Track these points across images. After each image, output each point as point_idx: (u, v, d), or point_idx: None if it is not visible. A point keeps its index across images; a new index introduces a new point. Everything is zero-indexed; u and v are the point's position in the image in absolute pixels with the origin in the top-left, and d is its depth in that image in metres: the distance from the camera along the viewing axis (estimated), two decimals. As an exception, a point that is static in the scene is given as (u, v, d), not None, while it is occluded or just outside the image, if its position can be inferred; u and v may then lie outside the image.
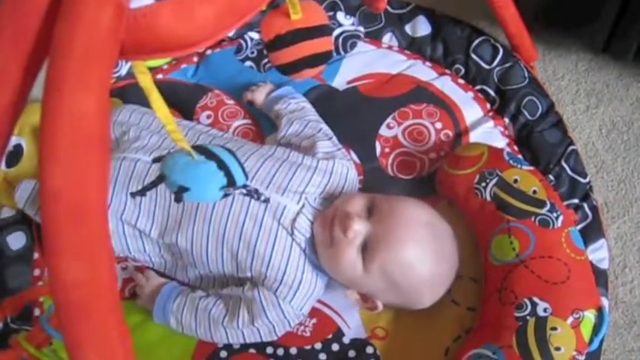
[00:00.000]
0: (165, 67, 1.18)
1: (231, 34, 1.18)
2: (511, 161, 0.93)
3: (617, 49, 1.13)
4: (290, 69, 0.96)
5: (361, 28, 1.19)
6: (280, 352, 0.88)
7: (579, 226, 0.94)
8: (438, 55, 1.16)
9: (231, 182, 0.83)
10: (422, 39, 1.18)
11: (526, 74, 1.10)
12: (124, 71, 1.14)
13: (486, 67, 1.12)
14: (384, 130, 1.07)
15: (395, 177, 1.03)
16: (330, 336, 0.90)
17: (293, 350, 0.88)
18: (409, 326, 0.90)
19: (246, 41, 1.18)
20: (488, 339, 0.82)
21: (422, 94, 1.11)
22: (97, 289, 0.48)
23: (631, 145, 1.13)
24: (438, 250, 0.83)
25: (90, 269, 0.48)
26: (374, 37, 1.20)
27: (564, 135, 1.04)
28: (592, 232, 0.94)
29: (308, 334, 0.90)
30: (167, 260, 0.94)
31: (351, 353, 0.88)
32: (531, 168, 0.94)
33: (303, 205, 0.87)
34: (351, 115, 1.08)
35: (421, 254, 0.81)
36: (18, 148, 1.03)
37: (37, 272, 0.95)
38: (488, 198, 0.91)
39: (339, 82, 1.14)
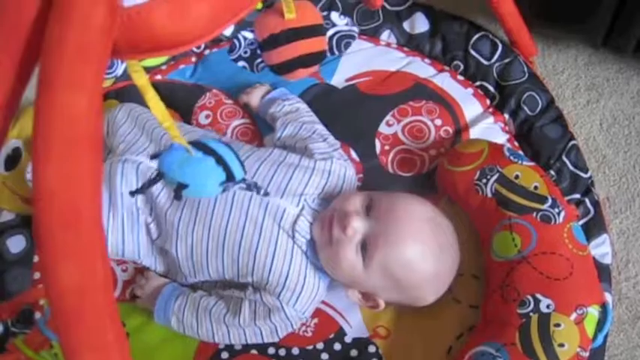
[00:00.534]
0: (164, 67, 1.18)
1: (227, 32, 1.17)
2: (512, 157, 0.93)
3: (617, 43, 1.12)
4: (284, 69, 0.96)
5: (355, 28, 1.18)
6: (282, 352, 0.88)
7: (581, 222, 0.94)
8: (437, 52, 1.16)
9: (230, 177, 0.82)
10: (420, 36, 1.17)
11: (526, 69, 1.09)
12: (120, 71, 1.14)
13: (485, 62, 1.12)
14: (383, 128, 1.06)
15: (395, 174, 1.03)
16: (331, 336, 0.89)
17: (295, 350, 0.88)
18: (411, 325, 0.89)
19: (239, 40, 1.17)
20: (491, 337, 0.82)
21: (421, 91, 1.10)
22: (92, 293, 0.48)
23: (632, 139, 1.12)
24: (439, 246, 0.82)
25: (84, 272, 0.47)
26: (372, 35, 1.19)
27: (565, 130, 1.03)
28: (594, 227, 0.94)
29: (310, 334, 0.90)
30: (164, 265, 0.93)
31: (353, 352, 0.88)
32: (532, 164, 0.93)
33: (302, 208, 0.87)
34: (350, 113, 1.08)
35: (421, 251, 0.81)
36: (16, 152, 1.02)
37: (36, 275, 0.94)
38: (489, 194, 0.90)
39: (338, 80, 1.13)
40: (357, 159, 1.03)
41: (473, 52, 1.13)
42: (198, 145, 0.80)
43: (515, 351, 0.78)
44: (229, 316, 0.85)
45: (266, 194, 0.86)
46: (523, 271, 0.83)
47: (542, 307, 0.80)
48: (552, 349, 0.78)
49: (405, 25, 1.19)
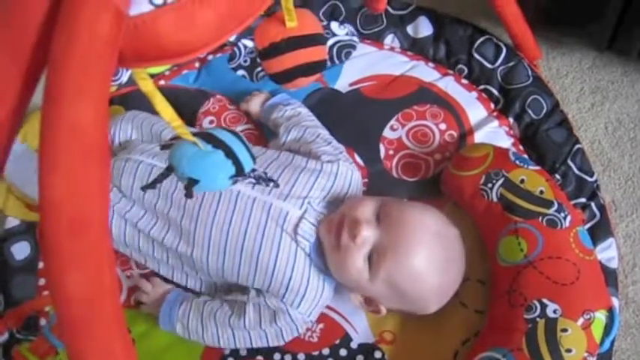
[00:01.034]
0: (167, 73, 1.18)
1: (232, 38, 1.17)
2: (517, 161, 0.92)
3: (621, 46, 1.12)
4: (284, 77, 0.95)
5: (356, 38, 1.18)
6: (288, 358, 0.88)
7: (587, 226, 0.93)
8: (441, 56, 1.16)
9: (239, 170, 0.82)
10: (424, 40, 1.17)
11: (530, 73, 1.09)
12: (124, 78, 1.14)
13: (490, 66, 1.11)
14: (387, 132, 1.06)
15: (400, 179, 1.02)
16: (337, 341, 0.89)
17: (301, 356, 0.88)
18: (417, 330, 0.89)
19: (239, 48, 1.17)
20: (497, 342, 0.81)
21: (425, 95, 1.10)
22: (100, 301, 0.48)
23: (638, 142, 1.12)
24: (446, 259, 0.82)
25: (91, 281, 0.47)
26: (376, 39, 1.19)
27: (570, 133, 1.03)
28: (600, 231, 0.94)
29: (315, 339, 0.90)
30: (164, 262, 0.93)
31: (359, 358, 0.88)
32: (537, 168, 0.93)
33: (305, 210, 0.86)
34: (354, 118, 1.08)
35: (429, 265, 0.80)
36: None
37: (42, 282, 0.95)
38: (495, 199, 0.90)
39: (342, 84, 1.13)
40: (362, 164, 1.03)
41: (477, 56, 1.12)
42: (208, 136, 0.80)
43: (522, 356, 0.78)
44: (234, 319, 0.85)
45: (277, 186, 0.86)
46: (529, 276, 0.83)
47: (549, 312, 0.80)
48: (559, 355, 0.78)
49: (409, 29, 1.18)
